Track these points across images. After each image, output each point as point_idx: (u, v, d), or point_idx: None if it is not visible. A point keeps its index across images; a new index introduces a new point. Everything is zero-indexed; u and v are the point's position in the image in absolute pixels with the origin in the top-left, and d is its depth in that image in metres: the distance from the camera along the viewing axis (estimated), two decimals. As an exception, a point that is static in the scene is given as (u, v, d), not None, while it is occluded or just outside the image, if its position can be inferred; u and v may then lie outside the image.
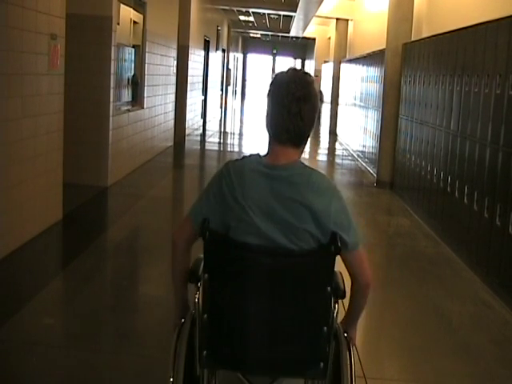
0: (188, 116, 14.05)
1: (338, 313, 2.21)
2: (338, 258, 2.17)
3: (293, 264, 2.11)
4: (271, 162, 2.15)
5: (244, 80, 39.65)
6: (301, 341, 2.17)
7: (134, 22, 9.29)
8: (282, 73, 2.20)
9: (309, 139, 2.20)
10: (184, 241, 2.28)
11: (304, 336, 2.17)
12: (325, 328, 2.16)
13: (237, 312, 2.15)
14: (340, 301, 2.22)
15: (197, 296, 2.25)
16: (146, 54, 9.60)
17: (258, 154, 2.21)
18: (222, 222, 2.13)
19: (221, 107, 22.15)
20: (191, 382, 2.23)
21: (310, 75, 2.21)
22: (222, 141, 15.55)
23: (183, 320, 2.32)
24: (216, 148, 14.21)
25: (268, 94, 2.18)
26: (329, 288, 2.14)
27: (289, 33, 25.30)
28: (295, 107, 2.10)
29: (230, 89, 27.49)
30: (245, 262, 2.11)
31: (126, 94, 9.07)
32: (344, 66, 17.10)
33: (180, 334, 2.27)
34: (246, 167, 2.15)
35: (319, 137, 18.23)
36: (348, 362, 2.22)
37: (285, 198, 2.09)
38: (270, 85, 2.19)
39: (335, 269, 2.17)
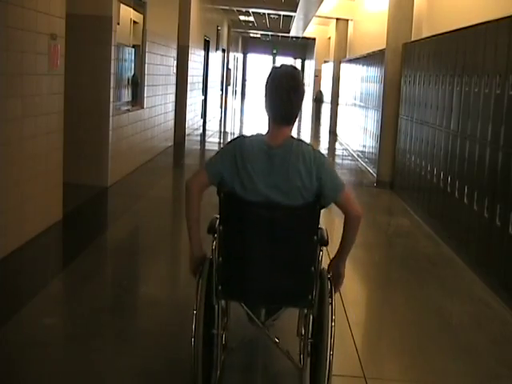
0: (188, 116, 14.05)
1: (322, 257, 2.93)
2: (324, 216, 2.80)
3: (287, 216, 2.74)
4: (271, 141, 2.79)
5: (244, 80, 39.64)
6: (293, 278, 2.81)
7: (134, 22, 9.29)
8: (275, 68, 2.84)
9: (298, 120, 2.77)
10: (198, 188, 2.96)
11: (296, 274, 2.81)
12: (312, 268, 2.81)
13: (244, 255, 2.79)
14: (324, 248, 2.93)
15: (214, 244, 2.95)
16: (146, 54, 9.60)
17: (261, 135, 2.86)
18: (230, 179, 2.76)
19: (221, 107, 22.15)
20: (209, 312, 2.91)
21: (297, 69, 2.90)
22: (222, 141, 15.54)
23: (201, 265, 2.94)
24: (216, 148, 14.20)
25: (265, 86, 2.81)
26: (315, 237, 2.79)
27: (289, 33, 25.30)
28: (286, 96, 2.74)
29: (230, 89, 27.49)
30: (250, 215, 2.74)
31: (126, 94, 9.07)
32: (344, 66, 17.10)
33: (201, 274, 2.88)
34: (253, 144, 2.80)
35: (319, 137, 18.24)
36: (329, 297, 2.84)
37: (280, 167, 2.73)
38: (267, 78, 2.81)
39: (321, 225, 2.84)
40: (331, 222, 6.41)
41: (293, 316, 3.41)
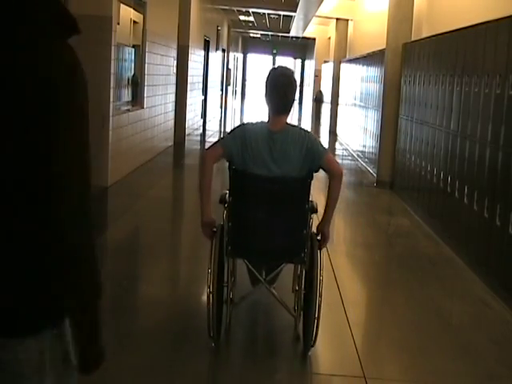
0: (188, 116, 14.05)
1: (312, 223, 3.61)
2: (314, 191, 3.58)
3: (284, 188, 3.42)
4: (272, 127, 3.49)
5: (244, 80, 39.62)
6: (289, 238, 3.48)
7: (134, 22, 9.29)
8: (273, 69, 3.60)
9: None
10: (213, 160, 3.54)
11: (291, 235, 3.47)
12: (304, 231, 3.46)
13: (249, 219, 3.44)
14: (314, 215, 3.62)
15: (224, 212, 3.60)
16: (146, 54, 9.60)
17: (263, 122, 3.56)
18: (239, 156, 3.41)
19: (221, 107, 22.16)
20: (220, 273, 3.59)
21: (291, 70, 3.67)
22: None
23: (215, 229, 3.55)
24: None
25: (265, 84, 3.51)
26: (307, 206, 3.47)
27: (289, 33, 25.29)
28: (283, 92, 3.46)
29: (230, 89, 27.49)
30: (254, 187, 3.40)
31: (126, 94, 9.08)
32: (344, 66, 17.10)
33: (215, 238, 3.52)
34: (257, 128, 3.51)
35: (319, 137, 18.24)
36: (318, 255, 3.49)
37: (280, 147, 3.41)
38: (267, 77, 3.53)
39: (312, 199, 3.57)
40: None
41: (288, 276, 4.09)
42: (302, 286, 3.74)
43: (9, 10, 1.24)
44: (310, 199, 3.53)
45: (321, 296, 3.46)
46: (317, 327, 3.49)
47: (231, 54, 26.97)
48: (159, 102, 10.90)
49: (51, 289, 1.31)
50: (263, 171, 3.38)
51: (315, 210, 3.63)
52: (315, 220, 3.70)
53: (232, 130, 3.58)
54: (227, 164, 3.52)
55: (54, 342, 1.34)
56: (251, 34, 32.96)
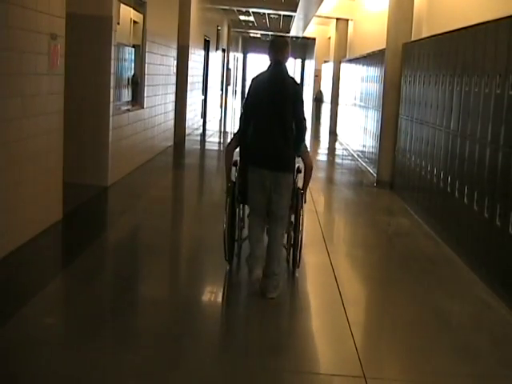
0: (188, 116, 14.05)
1: (298, 180, 5.06)
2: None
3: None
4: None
5: (244, 80, 39.61)
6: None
7: (134, 22, 9.28)
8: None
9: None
10: (233, 149, 5.00)
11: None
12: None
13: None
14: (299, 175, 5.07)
15: (235, 172, 5.08)
16: (146, 54, 9.60)
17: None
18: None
19: (221, 107, 22.15)
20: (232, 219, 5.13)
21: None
22: (222, 140, 15.55)
23: (230, 184, 5.03)
24: (216, 148, 14.20)
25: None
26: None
27: (289, 33, 25.28)
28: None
29: (229, 89, 27.48)
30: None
31: (126, 94, 9.07)
32: (344, 66, 17.10)
33: (229, 191, 5.02)
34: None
35: (319, 137, 18.24)
36: (301, 200, 4.99)
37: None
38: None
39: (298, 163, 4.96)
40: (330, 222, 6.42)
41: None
42: (292, 232, 5.13)
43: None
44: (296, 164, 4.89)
45: (303, 230, 5.03)
46: (300, 253, 5.10)
47: (231, 54, 26.97)
48: (159, 101, 10.90)
49: (293, 157, 4.77)
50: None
51: (300, 171, 5.09)
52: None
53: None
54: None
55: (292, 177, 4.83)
56: (251, 34, 32.95)
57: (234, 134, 4.98)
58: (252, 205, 4.82)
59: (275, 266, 4.63)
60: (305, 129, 4.74)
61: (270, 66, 4.73)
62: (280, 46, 4.73)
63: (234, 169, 5.11)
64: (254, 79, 4.79)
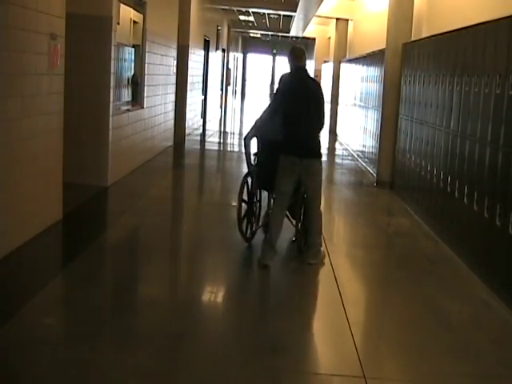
0: (188, 116, 14.04)
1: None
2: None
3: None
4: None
5: (244, 80, 39.62)
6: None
7: (134, 22, 9.28)
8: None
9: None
10: (251, 138, 5.70)
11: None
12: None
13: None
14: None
15: (255, 160, 5.81)
16: (146, 54, 9.60)
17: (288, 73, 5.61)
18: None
19: (221, 107, 22.15)
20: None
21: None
22: (221, 141, 15.55)
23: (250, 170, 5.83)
24: (216, 148, 14.21)
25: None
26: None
27: (289, 33, 25.28)
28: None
29: (229, 89, 27.48)
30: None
31: (126, 94, 9.07)
32: (344, 66, 17.10)
33: (245, 177, 5.84)
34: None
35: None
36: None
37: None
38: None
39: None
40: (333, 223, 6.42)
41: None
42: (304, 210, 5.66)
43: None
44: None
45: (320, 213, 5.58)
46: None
47: (231, 54, 26.96)
48: (159, 101, 10.90)
49: (319, 145, 5.54)
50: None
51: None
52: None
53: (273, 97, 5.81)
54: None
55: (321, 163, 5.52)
56: (251, 34, 32.95)
57: (253, 126, 5.70)
58: (279, 189, 5.38)
59: (316, 237, 5.47)
60: (324, 120, 5.54)
61: (293, 70, 5.49)
62: (299, 54, 5.50)
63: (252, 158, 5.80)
64: (282, 78, 5.68)
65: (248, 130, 5.85)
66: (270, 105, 5.65)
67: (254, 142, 5.78)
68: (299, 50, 5.57)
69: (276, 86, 5.67)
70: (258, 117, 5.74)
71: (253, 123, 5.77)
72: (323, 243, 6.24)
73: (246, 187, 5.82)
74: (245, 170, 6.17)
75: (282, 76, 5.69)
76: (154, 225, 6.62)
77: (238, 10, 20.00)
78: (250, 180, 5.86)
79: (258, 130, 5.62)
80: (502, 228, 4.89)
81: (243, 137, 5.92)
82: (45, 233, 5.64)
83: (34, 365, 3.40)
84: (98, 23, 7.55)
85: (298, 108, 5.30)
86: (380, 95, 10.01)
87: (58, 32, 5.72)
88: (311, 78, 5.61)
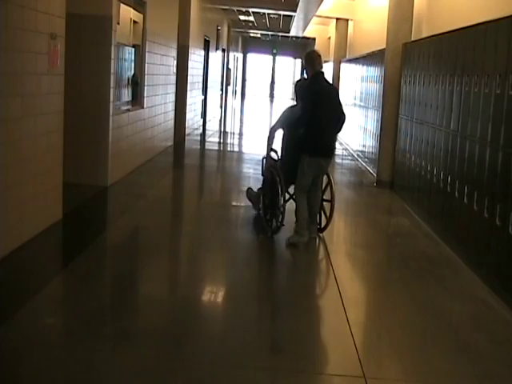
0: (188, 116, 14.04)
1: None
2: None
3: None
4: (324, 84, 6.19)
5: (244, 80, 39.60)
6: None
7: (134, 22, 9.28)
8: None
9: None
10: (275, 130, 6.30)
11: (335, 141, 6.52)
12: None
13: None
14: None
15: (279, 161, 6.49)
16: (146, 54, 9.59)
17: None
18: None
19: (221, 107, 22.15)
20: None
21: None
22: (221, 140, 15.55)
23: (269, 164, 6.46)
24: (216, 148, 14.20)
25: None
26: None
27: (289, 33, 25.27)
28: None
29: (229, 89, 27.47)
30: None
31: (126, 94, 9.07)
32: (344, 66, 17.10)
33: (268, 167, 6.41)
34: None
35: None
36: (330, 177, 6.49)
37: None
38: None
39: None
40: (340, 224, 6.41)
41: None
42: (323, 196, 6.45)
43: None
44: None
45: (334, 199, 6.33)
46: (330, 216, 6.33)
47: (231, 54, 26.96)
48: (159, 101, 10.90)
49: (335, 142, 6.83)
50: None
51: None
52: None
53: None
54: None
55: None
56: (251, 34, 32.95)
57: (278, 120, 6.30)
58: (305, 184, 5.97)
59: (318, 216, 6.35)
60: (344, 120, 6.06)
61: (315, 74, 5.86)
62: (316, 58, 5.87)
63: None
64: (301, 84, 6.16)
65: (274, 122, 6.48)
66: (302, 108, 5.90)
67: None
68: (315, 53, 5.90)
69: (292, 90, 6.25)
70: (282, 116, 6.28)
71: (278, 118, 6.34)
72: (323, 243, 6.24)
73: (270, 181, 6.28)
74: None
75: (299, 81, 6.14)
76: (154, 225, 6.62)
77: (237, 10, 19.99)
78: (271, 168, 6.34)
79: (288, 127, 6.12)
80: (502, 228, 4.89)
81: (269, 128, 6.54)
82: (45, 233, 5.64)
83: (34, 365, 3.40)
84: (98, 23, 7.54)
85: (331, 113, 5.81)
86: (380, 95, 10.01)
87: (57, 32, 5.72)
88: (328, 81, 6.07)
